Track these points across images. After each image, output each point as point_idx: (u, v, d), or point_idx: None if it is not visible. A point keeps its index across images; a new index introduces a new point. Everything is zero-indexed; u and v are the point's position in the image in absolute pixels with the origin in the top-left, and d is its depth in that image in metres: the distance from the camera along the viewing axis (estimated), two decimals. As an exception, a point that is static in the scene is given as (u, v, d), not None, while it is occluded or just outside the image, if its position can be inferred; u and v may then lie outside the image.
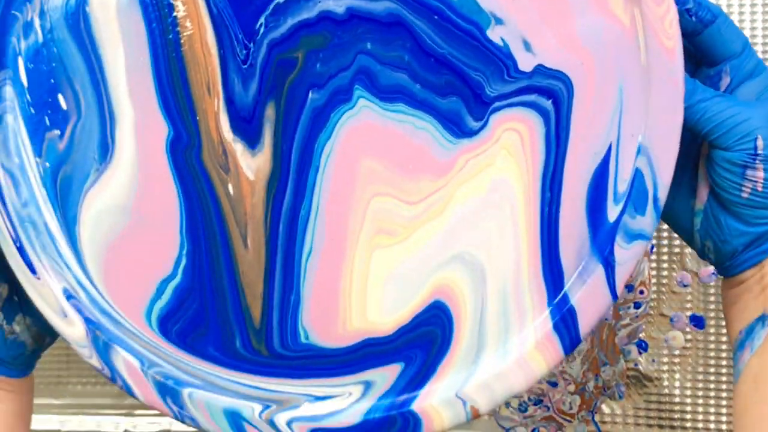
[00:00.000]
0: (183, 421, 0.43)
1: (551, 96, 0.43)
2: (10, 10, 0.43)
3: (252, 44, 0.42)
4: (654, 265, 0.69)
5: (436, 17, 0.42)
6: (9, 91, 0.44)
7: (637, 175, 0.43)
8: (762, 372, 0.44)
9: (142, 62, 0.43)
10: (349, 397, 0.46)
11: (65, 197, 0.46)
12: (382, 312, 0.45)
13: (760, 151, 0.43)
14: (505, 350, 0.45)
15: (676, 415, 0.70)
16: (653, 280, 0.69)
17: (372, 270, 0.45)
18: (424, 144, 0.44)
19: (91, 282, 0.44)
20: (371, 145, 0.44)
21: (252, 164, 0.42)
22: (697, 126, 0.43)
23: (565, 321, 0.44)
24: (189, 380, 0.46)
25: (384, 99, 0.44)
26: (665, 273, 0.68)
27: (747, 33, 0.65)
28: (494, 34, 0.43)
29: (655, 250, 0.67)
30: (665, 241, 0.67)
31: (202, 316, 0.46)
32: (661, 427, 0.70)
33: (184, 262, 0.46)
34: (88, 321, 0.45)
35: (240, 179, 0.44)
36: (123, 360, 0.46)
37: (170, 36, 0.42)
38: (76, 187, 0.46)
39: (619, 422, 0.70)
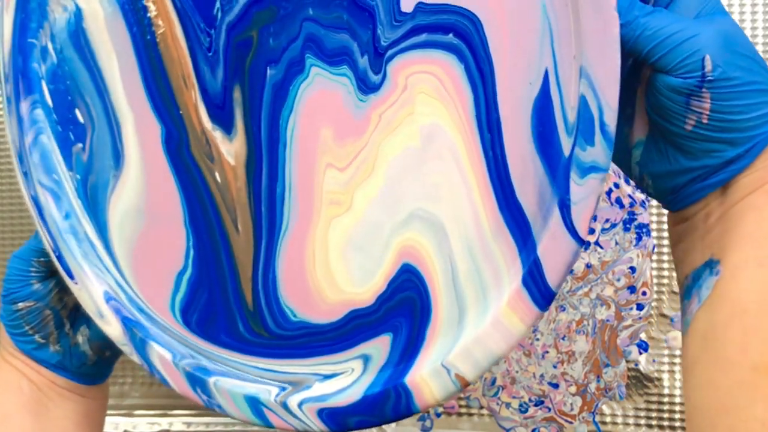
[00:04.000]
0: (213, 409, 0.48)
1: (450, 30, 0.44)
2: (27, 39, 0.48)
3: (213, 30, 0.44)
4: (655, 265, 0.71)
5: None
6: (39, 113, 0.50)
7: (582, 101, 0.41)
8: (711, 330, 0.42)
9: (131, 66, 0.48)
10: (352, 374, 0.49)
11: (95, 205, 0.53)
12: (354, 282, 0.48)
13: (708, 73, 0.40)
14: (485, 310, 0.45)
15: (677, 416, 0.73)
16: (654, 281, 0.72)
17: (331, 241, 0.48)
18: (348, 106, 0.47)
19: (127, 282, 0.48)
20: (326, 113, 0.47)
21: (231, 150, 0.47)
22: (637, 45, 0.41)
23: (531, 273, 0.44)
24: (214, 368, 0.51)
25: (332, 63, 0.47)
26: (666, 273, 0.71)
27: (747, 33, 0.69)
28: None
29: (656, 250, 0.71)
30: (666, 242, 0.70)
31: (211, 305, 0.51)
32: (661, 427, 0.73)
33: (192, 253, 0.51)
34: (125, 320, 0.52)
35: (223, 166, 0.50)
36: (157, 354, 0.51)
37: (148, 37, 0.47)
38: (101, 194, 0.53)
39: (619, 422, 0.73)
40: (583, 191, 0.41)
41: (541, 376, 0.71)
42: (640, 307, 0.71)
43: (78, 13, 0.51)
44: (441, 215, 0.45)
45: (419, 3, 0.44)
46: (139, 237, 0.52)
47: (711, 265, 0.42)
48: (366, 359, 0.47)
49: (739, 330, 0.40)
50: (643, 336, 0.72)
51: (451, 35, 0.43)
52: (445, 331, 0.45)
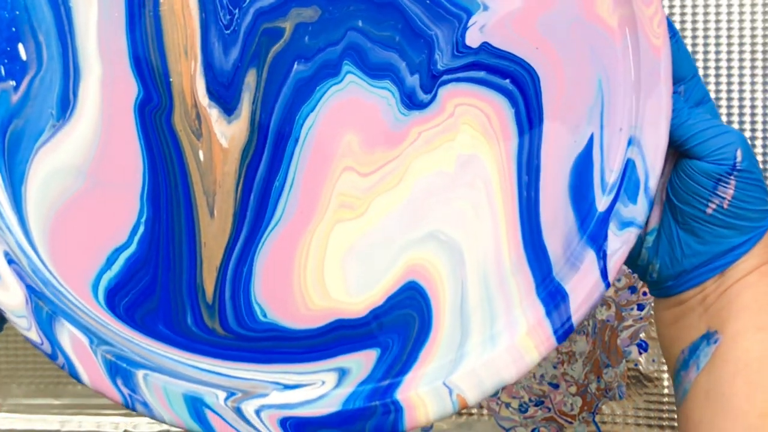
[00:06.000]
0: (132, 407, 0.41)
1: (508, 76, 0.48)
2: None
3: (237, 10, 0.45)
4: (654, 266, 0.75)
5: (428, 1, 0.43)
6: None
7: (629, 165, 0.48)
8: (715, 387, 0.48)
9: (116, 18, 0.46)
10: (322, 386, 0.48)
11: (13, 154, 0.50)
12: (348, 291, 0.48)
13: (738, 164, 0.48)
14: (492, 336, 0.48)
15: (676, 416, 0.72)
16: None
17: (331, 244, 0.48)
18: (386, 117, 0.48)
19: (33, 247, 0.41)
20: (354, 119, 0.48)
21: (227, 131, 0.45)
22: (678, 131, 0.49)
23: (558, 308, 0.48)
24: (142, 362, 0.47)
25: (373, 76, 0.49)
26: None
27: (747, 33, 0.72)
28: (475, 18, 0.48)
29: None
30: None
31: (152, 290, 0.48)
32: (661, 427, 0.74)
33: (141, 230, 0.48)
34: (30, 289, 0.49)
35: (212, 146, 0.49)
36: (69, 335, 0.47)
37: None
38: (26, 143, 0.48)
39: (619, 422, 0.74)
40: (619, 241, 0.48)
41: (541, 376, 0.71)
42: (640, 307, 0.73)
43: (60, -53, 0.46)
44: (461, 241, 0.48)
45: (485, 43, 0.48)
46: (69, 200, 0.47)
47: (709, 336, 0.49)
48: (342, 372, 0.47)
49: (744, 383, 0.46)
50: (643, 336, 0.73)
51: (508, 81, 0.48)
52: (443, 353, 0.49)
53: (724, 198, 0.48)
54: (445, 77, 0.48)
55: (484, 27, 0.48)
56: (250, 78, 0.47)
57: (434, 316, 0.48)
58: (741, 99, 0.70)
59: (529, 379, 0.73)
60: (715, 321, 0.49)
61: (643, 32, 0.48)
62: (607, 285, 0.48)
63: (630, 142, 0.48)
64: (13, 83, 0.47)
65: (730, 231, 0.49)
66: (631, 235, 0.48)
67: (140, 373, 0.46)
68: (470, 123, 0.48)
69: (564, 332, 0.48)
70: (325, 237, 0.48)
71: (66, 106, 0.47)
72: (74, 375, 0.46)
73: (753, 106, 0.69)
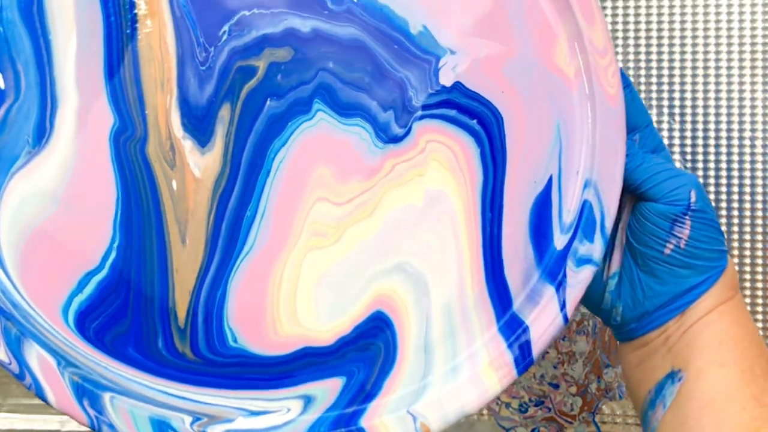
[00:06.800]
0: (98, 429, 0.43)
1: (475, 116, 0.51)
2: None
3: (213, 48, 0.47)
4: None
5: (396, 47, 0.45)
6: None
7: (586, 205, 0.50)
8: (682, 423, 0.49)
9: (94, 52, 0.49)
10: (287, 413, 0.49)
11: None
12: (318, 318, 0.50)
13: (693, 204, 0.50)
14: (454, 368, 0.50)
15: None
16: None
17: (303, 271, 0.50)
18: (360, 150, 0.50)
19: (4, 269, 0.43)
20: (326, 154, 0.50)
21: (200, 162, 0.46)
22: (634, 174, 0.51)
23: (518, 340, 0.50)
24: (109, 384, 0.49)
25: (343, 114, 0.51)
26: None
27: (747, 33, 0.72)
28: (445, 60, 0.51)
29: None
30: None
31: (123, 314, 0.49)
32: None
33: (113, 255, 0.50)
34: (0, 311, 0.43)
35: (185, 176, 0.51)
36: (37, 356, 0.48)
37: (128, 31, 0.47)
38: (1, 168, 0.49)
39: (619, 422, 0.74)
40: (577, 278, 0.50)
41: (542, 376, 0.71)
42: (640, 307, 0.74)
43: (39, -18, 0.48)
44: (427, 273, 0.50)
45: (458, 82, 0.50)
46: (42, 224, 0.49)
47: (673, 375, 0.50)
48: (308, 400, 0.48)
49: (710, 418, 0.48)
50: (643, 336, 0.74)
51: (475, 121, 0.50)
52: (407, 383, 0.50)
53: (680, 238, 0.50)
54: (419, 113, 0.50)
55: (456, 67, 0.50)
56: (224, 112, 0.49)
57: (399, 347, 0.50)
58: (741, 99, 0.71)
59: (529, 379, 0.74)
60: (679, 360, 0.51)
61: (598, 82, 0.50)
62: (566, 320, 0.50)
63: (586, 185, 0.50)
64: (-9, 110, 0.49)
65: (688, 271, 0.51)
66: (588, 272, 0.50)
67: (107, 396, 0.48)
68: (439, 159, 0.51)
69: (525, 365, 0.50)
70: (298, 264, 0.50)
71: (42, 134, 0.48)
72: (41, 396, 0.47)
73: (753, 106, 0.70)
